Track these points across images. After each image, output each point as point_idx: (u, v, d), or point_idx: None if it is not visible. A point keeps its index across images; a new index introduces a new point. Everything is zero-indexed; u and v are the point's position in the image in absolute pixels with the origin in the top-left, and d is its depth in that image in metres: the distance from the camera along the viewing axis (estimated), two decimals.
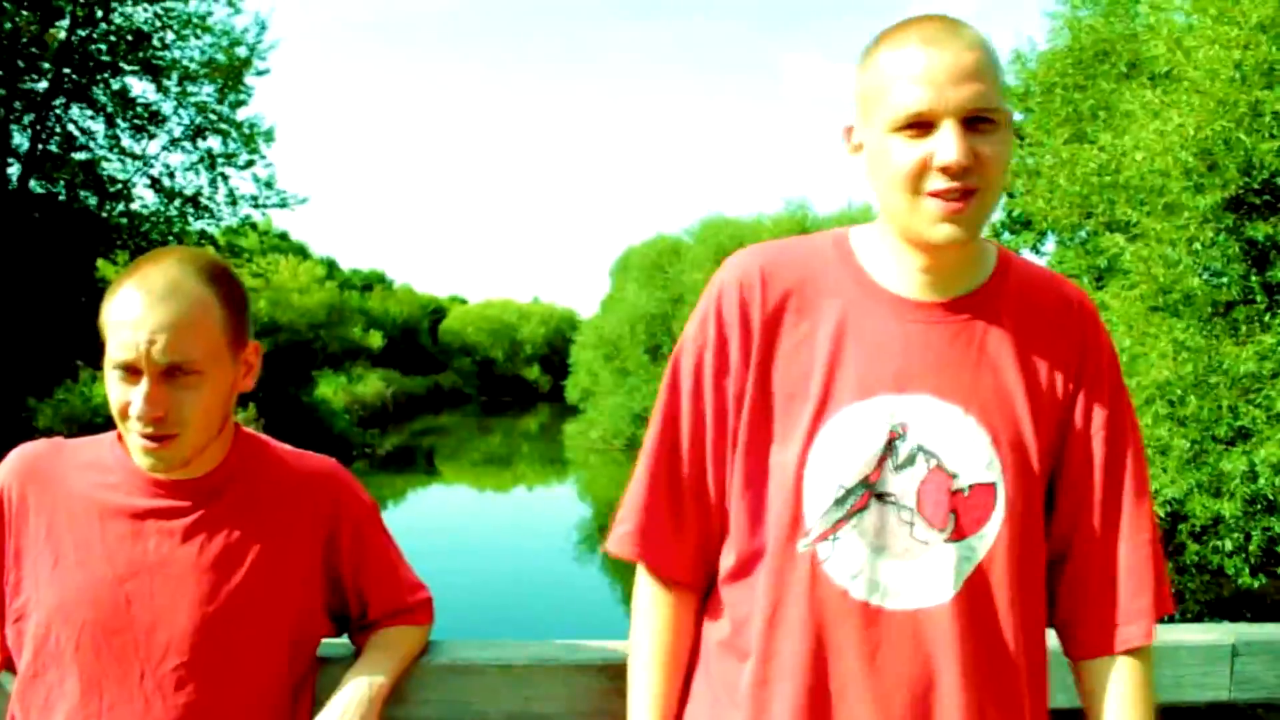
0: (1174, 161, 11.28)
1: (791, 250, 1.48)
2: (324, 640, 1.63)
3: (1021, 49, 18.00)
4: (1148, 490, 1.43)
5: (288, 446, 1.65)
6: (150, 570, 1.48)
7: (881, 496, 1.35)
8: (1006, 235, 24.57)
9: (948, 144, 1.28)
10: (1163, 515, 11.29)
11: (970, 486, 1.35)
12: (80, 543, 1.49)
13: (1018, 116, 21.02)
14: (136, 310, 1.42)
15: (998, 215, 24.59)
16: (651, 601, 1.49)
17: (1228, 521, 11.18)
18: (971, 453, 1.36)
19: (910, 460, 1.35)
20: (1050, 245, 22.30)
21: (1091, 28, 15.55)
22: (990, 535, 1.36)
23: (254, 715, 1.51)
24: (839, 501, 1.35)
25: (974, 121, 1.30)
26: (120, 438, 1.56)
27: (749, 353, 1.42)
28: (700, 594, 1.51)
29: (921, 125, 1.30)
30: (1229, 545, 11.43)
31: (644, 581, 1.50)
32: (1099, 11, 15.82)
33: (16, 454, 1.56)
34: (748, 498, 1.42)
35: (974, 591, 1.35)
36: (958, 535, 1.35)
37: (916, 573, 1.35)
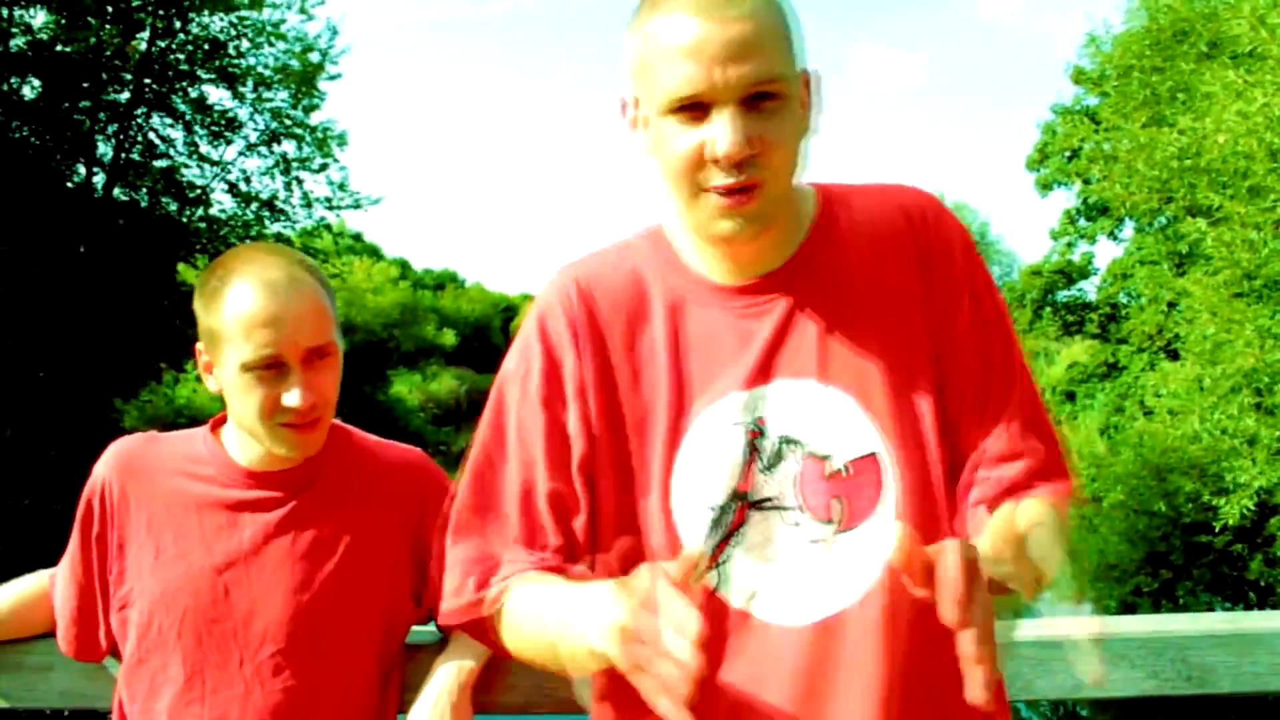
0: (1258, 143, 10.94)
1: (609, 259, 1.34)
2: (412, 628, 1.66)
3: (1096, 32, 17.65)
4: (1018, 381, 1.27)
5: (374, 437, 1.69)
6: (246, 560, 1.53)
7: (759, 504, 1.22)
8: (1083, 221, 24.09)
9: (723, 134, 1.14)
10: (1251, 507, 10.99)
11: (849, 464, 1.22)
12: (179, 534, 1.54)
13: (1092, 100, 20.65)
14: (270, 306, 1.46)
15: (1072, 202, 24.09)
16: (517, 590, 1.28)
17: None
18: (841, 425, 1.22)
19: (778, 456, 1.23)
20: (1128, 231, 21.84)
21: (1169, 7, 15.15)
22: (891, 510, 1.21)
23: (347, 700, 1.55)
24: (715, 523, 1.22)
25: (755, 99, 1.16)
26: (214, 430, 1.61)
27: (583, 379, 1.28)
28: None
29: (697, 107, 1.16)
30: None
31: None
32: None
33: (114, 448, 1.61)
34: (626, 547, 1.26)
35: (898, 578, 1.16)
36: (850, 523, 1.21)
37: (823, 577, 1.21)
